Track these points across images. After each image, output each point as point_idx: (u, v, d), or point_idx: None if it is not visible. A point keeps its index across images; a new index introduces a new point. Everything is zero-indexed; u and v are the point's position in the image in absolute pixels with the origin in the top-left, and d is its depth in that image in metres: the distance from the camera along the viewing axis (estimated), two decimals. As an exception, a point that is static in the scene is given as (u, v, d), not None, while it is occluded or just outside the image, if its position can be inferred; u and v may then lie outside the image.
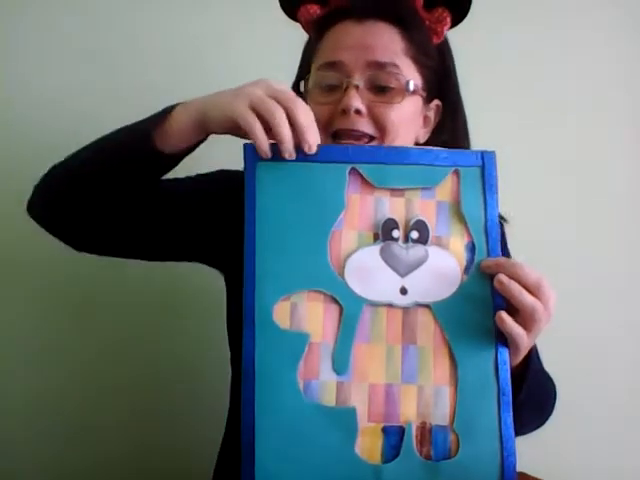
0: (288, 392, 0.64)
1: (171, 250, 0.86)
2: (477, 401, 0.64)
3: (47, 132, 1.09)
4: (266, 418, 0.63)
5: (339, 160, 0.67)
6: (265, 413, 0.63)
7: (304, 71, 0.85)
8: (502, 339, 0.65)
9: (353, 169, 0.67)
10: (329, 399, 0.64)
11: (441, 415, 0.64)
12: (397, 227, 0.67)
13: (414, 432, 0.64)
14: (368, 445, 0.64)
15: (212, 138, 0.73)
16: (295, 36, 0.87)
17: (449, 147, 0.77)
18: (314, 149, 0.65)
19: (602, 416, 1.22)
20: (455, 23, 0.84)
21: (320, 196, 0.67)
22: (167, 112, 0.71)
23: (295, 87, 0.85)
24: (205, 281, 1.01)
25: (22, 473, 1.11)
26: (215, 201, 0.83)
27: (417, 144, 0.85)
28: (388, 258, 0.66)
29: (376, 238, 0.67)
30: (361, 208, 0.67)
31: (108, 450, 1.13)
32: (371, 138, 0.79)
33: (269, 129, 0.64)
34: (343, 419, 0.64)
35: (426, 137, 0.86)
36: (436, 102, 0.86)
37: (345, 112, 0.78)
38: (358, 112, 0.78)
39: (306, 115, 0.65)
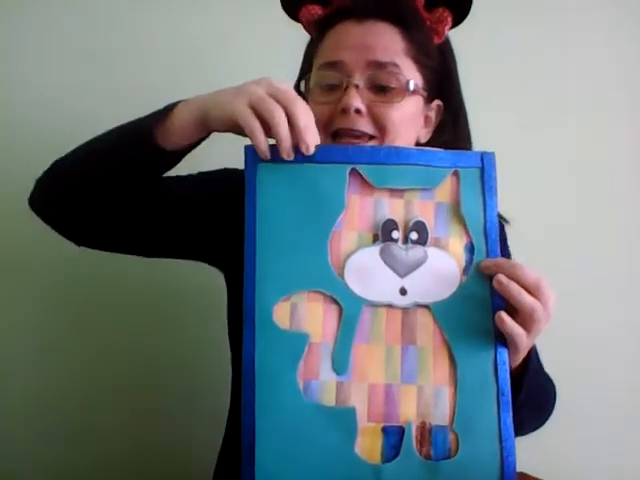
0: (288, 392, 0.64)
1: (171, 248, 0.86)
2: (477, 401, 0.65)
3: (47, 132, 1.09)
4: (266, 418, 0.63)
5: (339, 161, 0.67)
6: (265, 413, 0.63)
7: (305, 71, 0.86)
8: (501, 339, 0.65)
9: (353, 170, 0.67)
10: (329, 399, 0.64)
11: (441, 415, 0.64)
12: (396, 228, 0.67)
13: (414, 432, 0.64)
14: (368, 445, 0.64)
15: (214, 136, 0.73)
16: (295, 36, 0.87)
17: (450, 147, 0.77)
18: (312, 150, 0.65)
19: (602, 416, 1.22)
20: (456, 23, 0.84)
21: (321, 197, 0.67)
22: (169, 109, 0.71)
23: (297, 87, 0.85)
24: (205, 281, 1.01)
25: (22, 473, 1.11)
26: (216, 200, 0.83)
27: (418, 144, 0.85)
28: (388, 259, 0.66)
29: (375, 239, 0.67)
30: (361, 209, 0.67)
31: (108, 450, 1.13)
32: (371, 137, 0.79)
33: (269, 129, 0.64)
34: (343, 419, 0.64)
35: (427, 137, 0.86)
36: (437, 102, 0.86)
37: (345, 111, 0.78)
38: (358, 112, 0.78)
39: (305, 115, 0.65)
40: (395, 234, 0.67)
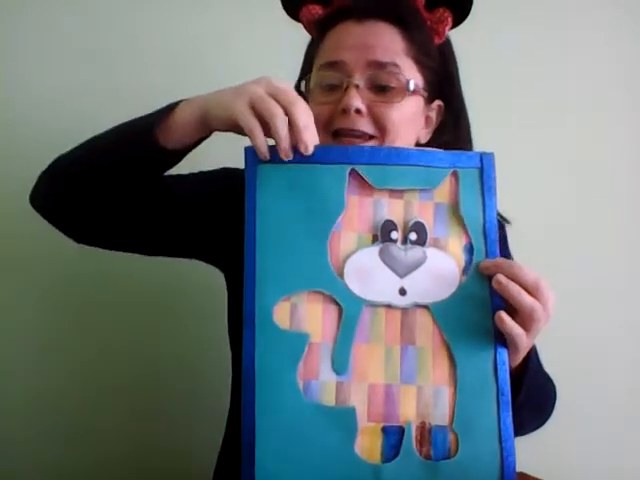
0: (288, 392, 0.64)
1: (171, 246, 0.86)
2: (476, 401, 0.65)
3: (47, 132, 1.09)
4: (266, 418, 0.63)
5: (339, 161, 0.67)
6: (265, 413, 0.63)
7: (306, 71, 0.86)
8: (501, 339, 0.65)
9: (353, 170, 0.67)
10: (329, 399, 0.64)
11: (440, 415, 0.64)
12: (396, 229, 0.67)
13: (414, 432, 0.64)
14: (368, 445, 0.64)
15: (214, 135, 0.73)
16: (295, 36, 0.87)
17: (451, 147, 0.77)
18: (310, 150, 0.65)
19: (602, 416, 1.22)
20: (456, 23, 0.84)
21: (320, 197, 0.67)
22: (171, 108, 0.72)
23: (297, 87, 0.85)
24: (205, 281, 1.01)
25: (22, 473, 1.11)
26: (216, 199, 0.83)
27: (419, 144, 0.85)
28: (387, 259, 0.66)
29: (375, 239, 0.67)
30: (360, 210, 0.67)
31: (108, 450, 1.13)
32: (371, 137, 0.79)
33: (269, 128, 0.64)
34: (343, 419, 0.64)
35: (428, 137, 0.86)
36: (438, 102, 0.86)
37: (345, 111, 0.78)
38: (358, 111, 0.78)
39: (305, 115, 0.65)
40: (394, 234, 0.67)
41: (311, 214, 0.66)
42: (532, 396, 0.71)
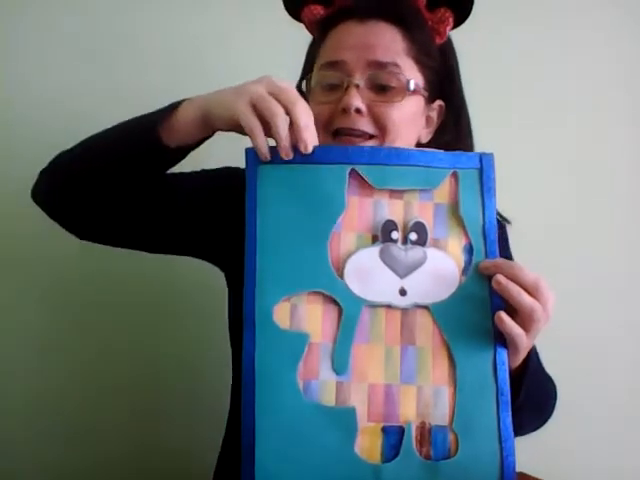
0: (288, 392, 0.64)
1: (172, 244, 0.86)
2: (476, 401, 0.65)
3: (47, 132, 1.09)
4: (266, 418, 0.63)
5: (339, 161, 0.67)
6: (265, 413, 0.63)
7: (307, 71, 0.86)
8: (501, 340, 0.65)
9: (353, 170, 0.67)
10: (329, 399, 0.64)
11: (440, 415, 0.64)
12: (396, 229, 0.67)
13: (414, 432, 0.64)
14: (368, 445, 0.64)
15: (216, 135, 0.73)
16: (295, 36, 0.87)
17: (452, 147, 0.77)
18: (310, 149, 0.65)
19: (602, 416, 1.22)
20: (458, 23, 0.84)
21: (321, 197, 0.67)
22: (174, 107, 0.72)
23: (299, 87, 0.85)
24: (205, 280, 1.01)
25: (22, 473, 1.11)
26: (218, 198, 0.84)
27: (419, 144, 0.85)
28: (387, 259, 0.66)
29: (375, 240, 0.67)
30: (360, 210, 0.67)
31: (108, 450, 1.13)
32: (371, 137, 0.79)
33: (269, 128, 0.65)
34: (343, 419, 0.64)
35: (428, 137, 0.86)
36: (439, 102, 0.86)
37: (345, 111, 0.78)
38: (358, 111, 0.78)
39: (305, 115, 0.65)
40: (394, 235, 0.67)
41: (311, 214, 0.66)
42: (532, 396, 0.71)
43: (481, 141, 0.89)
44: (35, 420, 1.12)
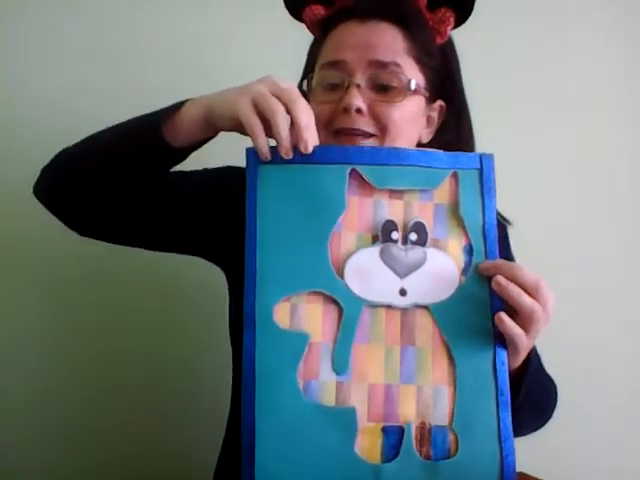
0: (288, 392, 0.64)
1: (173, 242, 0.86)
2: (476, 401, 0.65)
3: (47, 132, 1.09)
4: (266, 418, 0.63)
5: (339, 161, 0.67)
6: (265, 413, 0.63)
7: (308, 71, 0.86)
8: (500, 340, 0.65)
9: (353, 170, 0.67)
10: (329, 399, 0.64)
11: (440, 415, 0.64)
12: (396, 229, 0.67)
13: (413, 432, 0.64)
14: (368, 445, 0.64)
15: (219, 134, 0.73)
16: (294, 36, 0.87)
17: (453, 148, 0.77)
18: (310, 149, 0.65)
19: (602, 416, 1.22)
20: (458, 23, 0.84)
21: (321, 197, 0.67)
22: (177, 107, 0.72)
23: (300, 87, 0.85)
24: (205, 281, 1.01)
25: (22, 473, 1.11)
26: (219, 197, 0.84)
27: (420, 144, 0.85)
28: (387, 259, 0.66)
29: (375, 240, 0.67)
30: (360, 210, 0.67)
31: (108, 450, 1.13)
32: (372, 135, 0.79)
33: (270, 127, 0.65)
34: (343, 419, 0.64)
35: (429, 137, 0.86)
36: (439, 102, 0.86)
37: (346, 111, 0.78)
38: (359, 111, 0.78)
39: (306, 115, 0.65)
40: (395, 235, 0.67)
41: (312, 214, 0.66)
42: (532, 397, 0.71)
43: (481, 141, 0.89)
44: (35, 420, 1.12)
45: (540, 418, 0.81)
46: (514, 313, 0.64)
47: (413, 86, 0.79)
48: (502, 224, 0.90)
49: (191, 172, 0.85)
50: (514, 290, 0.63)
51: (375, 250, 0.67)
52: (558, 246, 1.20)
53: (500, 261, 0.66)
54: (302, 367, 0.64)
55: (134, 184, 0.75)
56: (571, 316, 1.03)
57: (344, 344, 0.65)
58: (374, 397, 0.65)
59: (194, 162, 0.79)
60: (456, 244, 0.67)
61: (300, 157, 0.66)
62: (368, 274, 0.66)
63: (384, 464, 0.63)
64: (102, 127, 0.78)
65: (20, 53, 1.12)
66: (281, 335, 0.65)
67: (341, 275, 0.66)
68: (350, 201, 0.67)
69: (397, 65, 0.79)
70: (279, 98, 0.65)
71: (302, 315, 0.65)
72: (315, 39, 0.87)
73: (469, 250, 0.67)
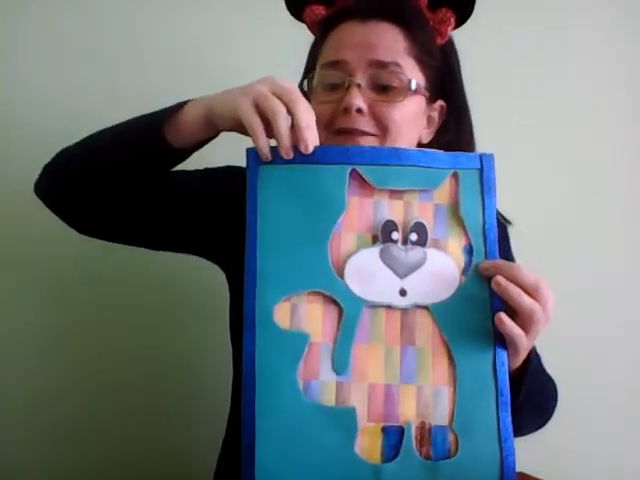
0: (288, 392, 0.64)
1: (173, 241, 0.86)
2: (476, 401, 0.65)
3: (47, 132, 1.09)
4: (266, 418, 0.63)
5: (339, 162, 0.67)
6: (265, 413, 0.63)
7: (309, 71, 0.86)
8: (500, 340, 0.65)
9: (353, 170, 0.67)
10: (329, 399, 0.64)
11: (440, 415, 0.64)
12: (396, 229, 0.67)
13: (413, 432, 0.64)
14: (368, 445, 0.64)
15: (221, 135, 0.73)
16: (296, 36, 0.87)
17: (453, 148, 0.77)
18: (310, 149, 0.65)
19: (602, 416, 1.22)
20: (459, 23, 0.84)
21: (321, 198, 0.67)
22: (178, 107, 0.72)
23: (301, 87, 0.85)
24: (205, 281, 1.01)
25: (22, 473, 1.11)
26: (220, 197, 0.84)
27: (420, 144, 0.85)
28: (387, 260, 0.66)
29: (375, 240, 0.67)
30: (360, 210, 0.67)
31: (108, 450, 1.13)
32: (372, 135, 0.79)
33: (271, 127, 0.65)
34: (343, 419, 0.64)
35: (430, 137, 0.86)
36: (440, 102, 0.86)
37: (347, 111, 0.78)
38: (360, 111, 0.78)
39: (307, 115, 0.65)
40: (395, 235, 0.67)
41: (312, 215, 0.66)
42: (532, 397, 0.71)
43: (481, 141, 0.89)
44: (35, 420, 1.12)
45: (540, 418, 0.81)
46: (514, 313, 0.64)
47: (414, 86, 0.79)
48: (502, 224, 0.90)
49: (192, 172, 0.85)
50: (514, 290, 0.63)
51: (375, 250, 0.67)
52: (558, 246, 1.21)
53: (500, 261, 0.66)
54: (302, 367, 0.64)
55: (135, 184, 0.76)
56: (571, 316, 1.03)
57: (344, 344, 0.65)
58: (374, 397, 0.65)
59: (195, 162, 0.79)
60: (456, 244, 0.67)
61: (300, 157, 0.66)
62: (368, 274, 0.66)
63: (384, 464, 0.63)
64: (102, 127, 0.78)
65: (20, 53, 1.12)
66: (281, 335, 0.65)
67: (341, 275, 0.66)
68: (350, 201, 0.67)
69: (398, 65, 0.79)
70: (280, 98, 0.65)
71: (302, 315, 0.65)
72: (316, 39, 0.87)
73: (469, 250, 0.67)
